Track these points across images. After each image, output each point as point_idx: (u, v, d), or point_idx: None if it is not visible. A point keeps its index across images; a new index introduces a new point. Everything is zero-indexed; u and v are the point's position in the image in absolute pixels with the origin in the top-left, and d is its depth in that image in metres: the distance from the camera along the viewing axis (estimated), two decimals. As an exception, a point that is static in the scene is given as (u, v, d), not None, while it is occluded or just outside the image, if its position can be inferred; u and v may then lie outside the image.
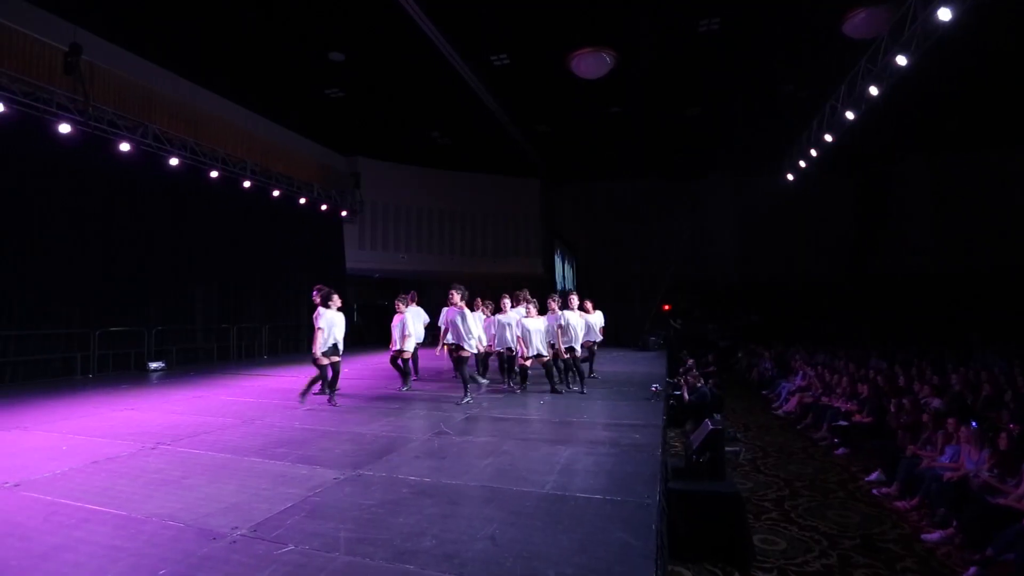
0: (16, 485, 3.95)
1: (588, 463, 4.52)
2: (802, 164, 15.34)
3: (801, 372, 12.26)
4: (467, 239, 20.60)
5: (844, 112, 11.69)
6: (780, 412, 11.21)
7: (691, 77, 13.63)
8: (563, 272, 23.80)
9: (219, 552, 2.89)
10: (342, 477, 4.11)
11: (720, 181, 21.43)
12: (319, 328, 6.61)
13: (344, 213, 17.66)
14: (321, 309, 6.73)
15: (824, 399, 10.05)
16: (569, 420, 6.24)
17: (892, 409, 7.98)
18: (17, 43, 9.45)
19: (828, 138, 12.99)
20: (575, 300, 8.35)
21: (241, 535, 3.09)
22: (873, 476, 6.90)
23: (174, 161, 11.82)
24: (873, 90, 10.23)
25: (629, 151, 19.67)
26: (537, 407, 7.04)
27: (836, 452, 8.25)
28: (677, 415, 9.27)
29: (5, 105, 8.96)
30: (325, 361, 6.73)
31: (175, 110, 12.27)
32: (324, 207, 16.61)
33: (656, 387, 7.98)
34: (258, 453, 4.76)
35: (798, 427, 10.00)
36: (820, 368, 11.77)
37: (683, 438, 8.67)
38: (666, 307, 22.09)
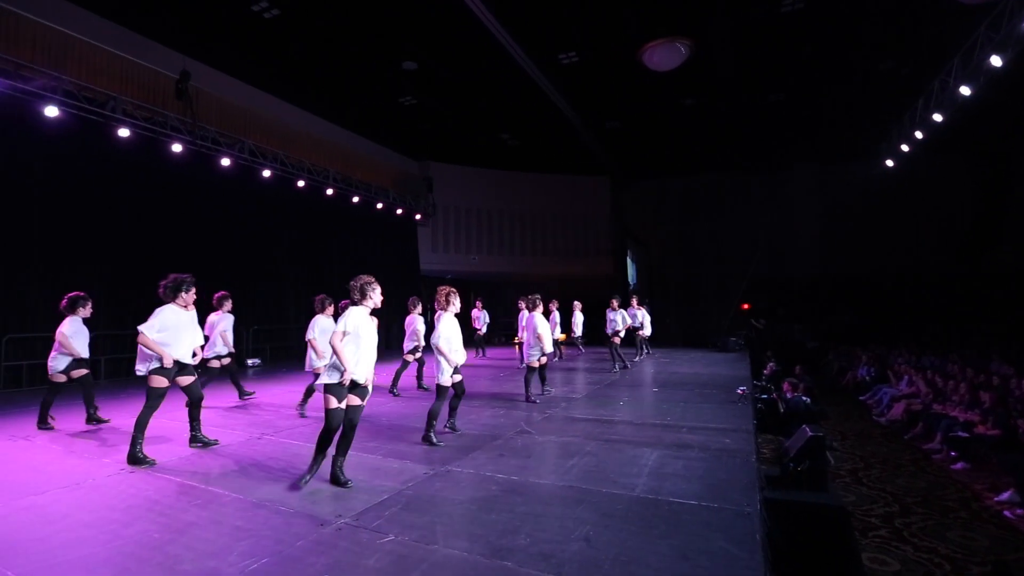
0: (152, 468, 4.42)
1: (678, 467, 4.35)
2: (904, 148, 13.95)
3: (906, 376, 11.16)
4: (537, 240, 20.64)
5: (957, 88, 10.48)
6: (882, 420, 10.26)
7: (774, 62, 12.82)
8: (633, 271, 23.23)
9: (327, 537, 3.06)
10: (432, 472, 4.23)
11: (805, 171, 19.99)
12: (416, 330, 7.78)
13: (418, 217, 18.27)
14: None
15: (936, 407, 9.07)
16: (651, 422, 6.05)
17: (1025, 420, 7.05)
18: (138, 74, 10.61)
19: (937, 118, 11.71)
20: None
21: (345, 523, 3.26)
22: (1005, 496, 6.12)
23: (267, 173, 12.78)
24: (996, 60, 9.08)
25: (704, 145, 18.86)
26: (616, 407, 6.90)
27: (954, 467, 7.41)
28: (765, 420, 8.73)
29: (130, 130, 10.09)
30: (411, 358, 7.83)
31: (268, 126, 13.25)
32: (399, 211, 17.28)
33: (743, 390, 7.57)
34: (352, 446, 5.00)
35: (905, 437, 9.11)
36: (930, 372, 10.64)
37: (772, 444, 8.19)
38: (745, 306, 20.97)
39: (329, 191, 14.61)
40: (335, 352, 3.89)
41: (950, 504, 6.19)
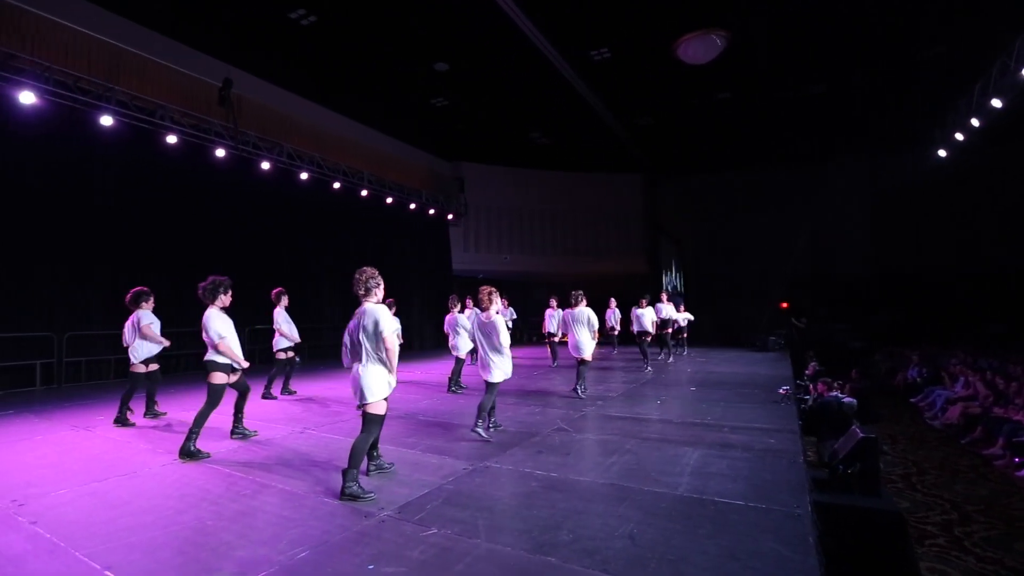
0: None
1: (721, 466, 4.23)
2: (959, 136, 13.22)
3: (962, 378, 10.57)
4: (569, 238, 20.50)
5: (1020, 71, 9.87)
6: (936, 424, 9.76)
7: (815, 51, 12.36)
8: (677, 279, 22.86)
9: (372, 529, 3.11)
10: (471, 468, 4.24)
11: (849, 164, 19.20)
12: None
13: (450, 217, 18.43)
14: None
15: (997, 410, 8.56)
16: (691, 421, 5.92)
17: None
18: (183, 83, 11.07)
19: (997, 103, 11.04)
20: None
21: (388, 515, 3.30)
22: (1076, 504, 5.72)
23: (304, 175, 13.13)
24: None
25: (740, 139, 18.37)
26: (653, 406, 6.78)
27: (1018, 473, 6.98)
28: (809, 422, 8.42)
29: (177, 136, 10.52)
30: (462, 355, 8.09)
31: (305, 130, 13.61)
32: (431, 212, 17.47)
33: (786, 389, 7.32)
34: (390, 441, 5.06)
35: (962, 441, 8.63)
36: (988, 374, 10.05)
37: (816, 446, 7.88)
38: (784, 305, 20.30)
39: (364, 192, 14.89)
40: (389, 353, 3.74)
41: (1016, 513, 5.83)
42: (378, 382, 3.73)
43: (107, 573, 2.59)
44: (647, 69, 13.38)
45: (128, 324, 6.09)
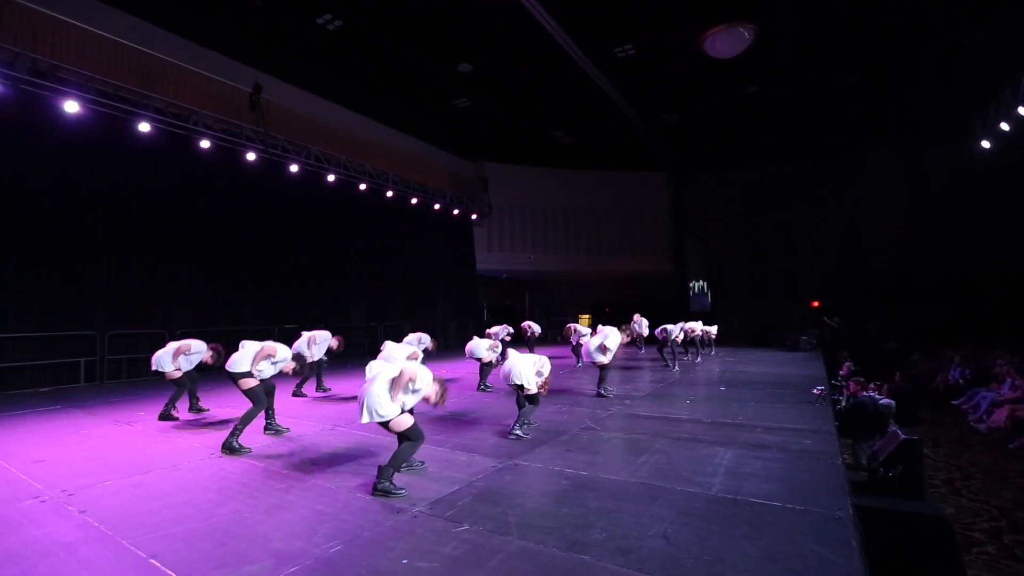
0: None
1: (756, 467, 4.14)
2: (1004, 126, 12.64)
3: (1009, 380, 10.11)
4: (593, 237, 20.37)
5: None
6: (981, 427, 9.36)
7: (846, 41, 12.01)
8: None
9: (404, 524, 3.13)
10: (500, 466, 4.24)
11: (883, 158, 18.55)
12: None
13: (474, 217, 18.51)
14: None
15: (1047, 413, 8.16)
16: (722, 421, 5.80)
17: None
18: (216, 90, 11.39)
19: (1045, 92, 10.53)
20: None
21: (419, 511, 3.32)
22: None
23: (331, 177, 13.36)
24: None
25: (768, 134, 17.97)
26: (683, 406, 6.67)
27: (1072, 478, 6.63)
28: (844, 423, 8.16)
29: (210, 141, 10.83)
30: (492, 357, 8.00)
31: (332, 133, 13.85)
32: (455, 212, 17.57)
33: (820, 389, 7.12)
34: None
35: (1010, 446, 8.25)
36: (1037, 375, 9.59)
37: (851, 448, 7.64)
38: (815, 304, 19.75)
39: (389, 194, 15.07)
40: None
41: (1070, 520, 5.54)
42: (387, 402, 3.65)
43: (152, 561, 2.67)
44: (672, 65, 13.21)
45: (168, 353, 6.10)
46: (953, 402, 11.32)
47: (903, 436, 4.64)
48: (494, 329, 11.08)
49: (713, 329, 12.94)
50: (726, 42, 11.85)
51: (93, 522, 3.16)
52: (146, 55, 10.18)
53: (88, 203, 9.40)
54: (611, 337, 7.26)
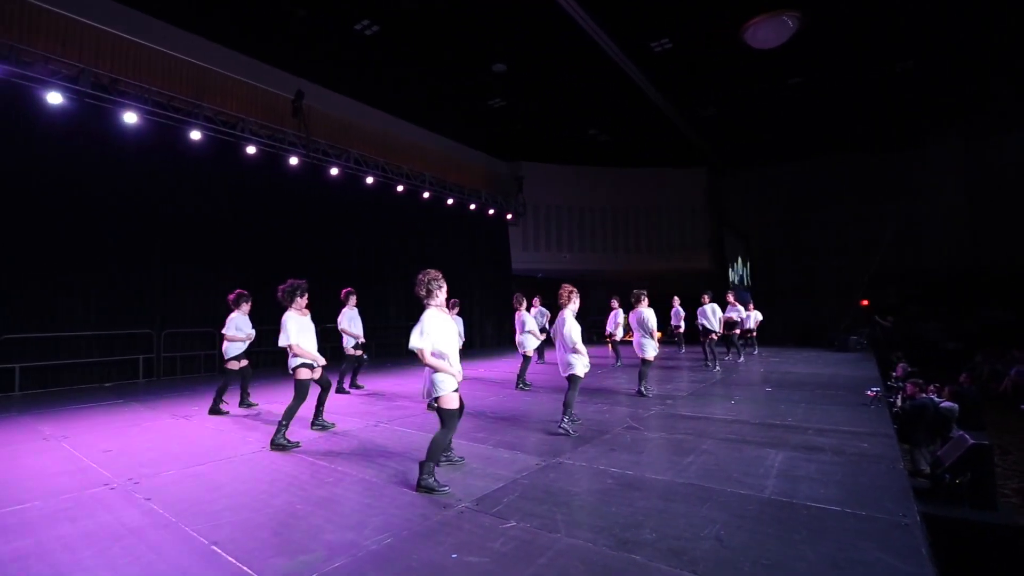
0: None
1: (810, 470, 3.97)
2: (1075, 112, 11.77)
3: (1086, 382, 9.38)
4: (630, 236, 20.08)
5: None
6: (1055, 432, 8.71)
7: (900, 24, 11.40)
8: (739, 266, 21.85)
9: (451, 519, 3.15)
10: (543, 464, 4.22)
11: (942, 148, 17.56)
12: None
13: (509, 216, 18.54)
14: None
15: None
16: (770, 422, 5.60)
17: None
18: (260, 97, 11.80)
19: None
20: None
21: (466, 507, 3.34)
22: None
23: (370, 180, 13.64)
24: None
25: (813, 126, 17.28)
26: (727, 406, 6.48)
27: None
28: (901, 426, 7.76)
29: (255, 147, 11.24)
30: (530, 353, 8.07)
31: (369, 136, 14.14)
32: (491, 211, 17.65)
33: (875, 391, 6.78)
34: (460, 436, 5.10)
35: (1089, 453, 7.65)
36: (1119, 377, 8.85)
37: (908, 453, 7.25)
38: (864, 302, 18.89)
39: (426, 194, 15.27)
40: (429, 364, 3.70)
41: None
42: (442, 378, 3.73)
43: (214, 548, 2.78)
44: (711, 57, 12.87)
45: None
46: (1022, 407, 10.59)
47: (971, 441, 4.36)
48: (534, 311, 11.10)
49: (757, 314, 12.52)
50: (769, 31, 11.45)
51: (158, 509, 3.31)
52: (196, 66, 10.65)
53: (144, 210, 9.90)
54: (648, 317, 7.18)
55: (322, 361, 5.14)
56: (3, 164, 8.32)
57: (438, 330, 3.71)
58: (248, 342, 6.60)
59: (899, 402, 8.35)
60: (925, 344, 16.39)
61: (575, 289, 5.33)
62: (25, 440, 5.14)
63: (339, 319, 7.66)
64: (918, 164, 17.91)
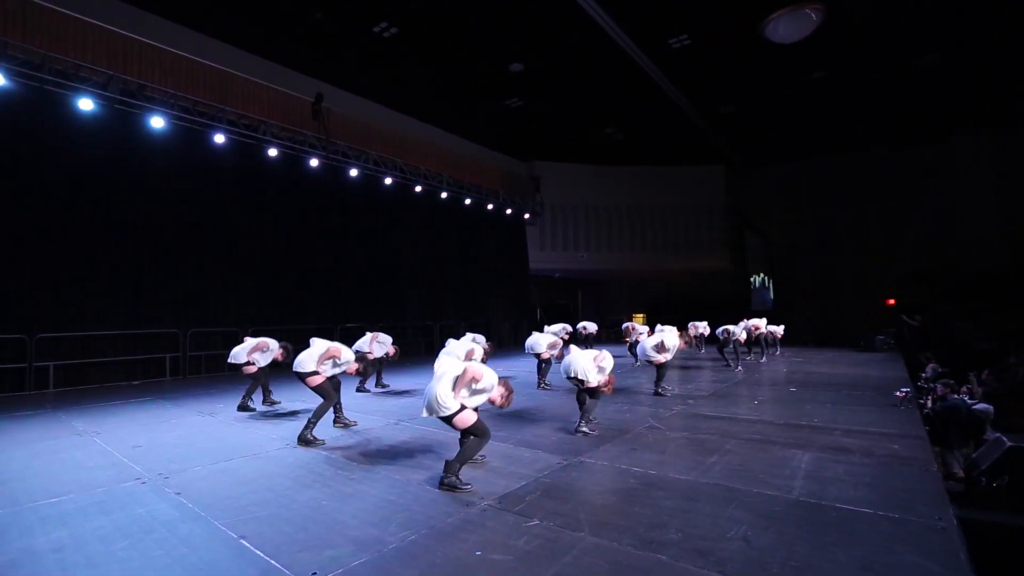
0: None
1: (839, 471, 3.88)
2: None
3: None
4: (647, 235, 19.91)
5: None
6: (1095, 435, 8.36)
7: (926, 14, 11.09)
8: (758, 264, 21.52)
9: (474, 517, 3.16)
10: (565, 463, 4.20)
11: (970, 143, 17.05)
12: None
13: (526, 216, 18.53)
14: None
15: None
16: (795, 423, 5.50)
17: None
18: (281, 100, 11.98)
19: None
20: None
21: (489, 505, 3.34)
22: None
23: (388, 180, 13.76)
24: None
25: (836, 122, 16.92)
26: (750, 407, 6.38)
27: None
28: (933, 428, 7.54)
29: (277, 149, 11.43)
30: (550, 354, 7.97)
31: (388, 137, 14.26)
32: (508, 211, 17.66)
33: (905, 391, 6.61)
34: (481, 434, 5.14)
35: None
36: None
37: (940, 456, 7.04)
38: (890, 302, 18.43)
39: (443, 195, 15.35)
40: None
41: None
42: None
43: (242, 541, 2.83)
44: (730, 53, 12.69)
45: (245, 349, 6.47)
46: (1059, 408, 10.19)
47: (1009, 443, 4.22)
48: (554, 327, 10.98)
49: (779, 329, 12.35)
50: (790, 25, 11.25)
51: (188, 503, 3.38)
52: (219, 71, 10.87)
53: (170, 212, 10.11)
54: (668, 336, 7.10)
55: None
56: (38, 171, 8.59)
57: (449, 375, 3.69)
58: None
59: (929, 403, 8.10)
60: (956, 344, 15.89)
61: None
62: (61, 435, 5.30)
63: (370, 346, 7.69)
64: (945, 159, 17.41)
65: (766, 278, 21.51)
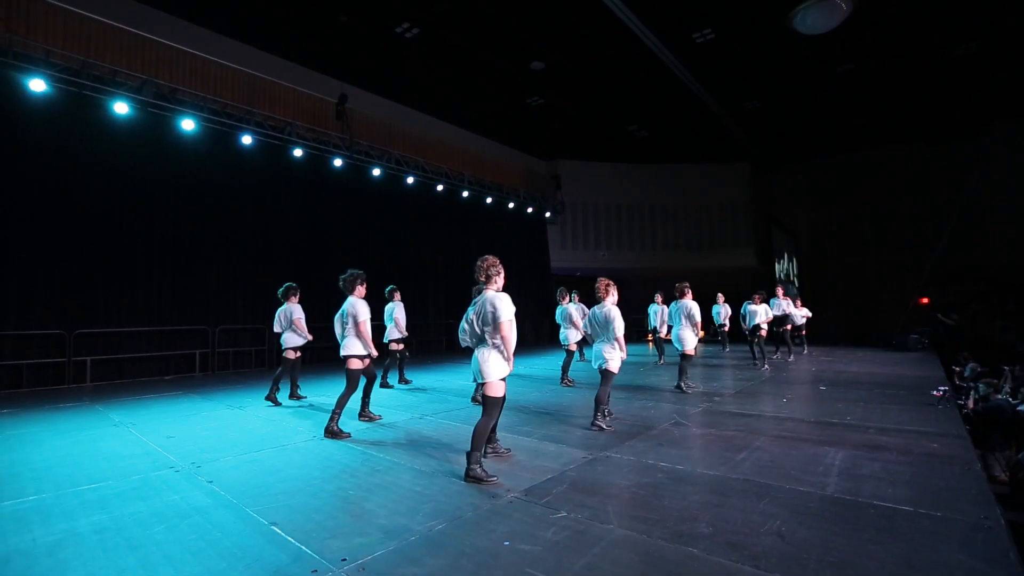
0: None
1: (875, 469, 3.77)
2: None
3: None
4: (669, 233, 19.66)
5: None
6: None
7: (960, 5, 10.70)
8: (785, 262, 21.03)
9: (501, 508, 3.15)
10: (591, 457, 4.17)
11: (1007, 137, 16.39)
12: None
13: (547, 214, 18.49)
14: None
15: None
16: (827, 420, 5.35)
17: None
18: (307, 102, 12.21)
19: None
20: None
21: (515, 497, 3.33)
22: None
23: (410, 180, 13.88)
24: None
25: (866, 116, 16.44)
26: (778, 404, 6.23)
27: None
28: (974, 429, 7.25)
29: (302, 149, 11.63)
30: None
31: (410, 137, 14.40)
32: (529, 210, 17.64)
33: (943, 390, 6.38)
34: (505, 430, 5.11)
35: None
36: None
37: (981, 458, 6.77)
38: (923, 300, 17.83)
39: (465, 193, 15.41)
40: (505, 342, 3.67)
41: None
42: (494, 364, 3.72)
43: (274, 528, 2.88)
44: (756, 47, 12.44)
45: (280, 315, 6.76)
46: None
47: (1057, 442, 4.03)
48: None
49: (806, 311, 12.01)
50: (819, 16, 10.97)
51: (220, 491, 3.46)
52: (247, 74, 11.11)
53: (200, 211, 10.37)
54: (694, 308, 7.13)
55: (374, 353, 5.28)
56: (76, 173, 8.91)
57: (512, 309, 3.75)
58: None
59: (970, 403, 7.81)
60: (994, 344, 15.30)
61: (611, 282, 5.28)
62: (98, 426, 5.48)
63: (395, 314, 7.80)
64: (980, 154, 16.77)
65: (792, 272, 21.03)
